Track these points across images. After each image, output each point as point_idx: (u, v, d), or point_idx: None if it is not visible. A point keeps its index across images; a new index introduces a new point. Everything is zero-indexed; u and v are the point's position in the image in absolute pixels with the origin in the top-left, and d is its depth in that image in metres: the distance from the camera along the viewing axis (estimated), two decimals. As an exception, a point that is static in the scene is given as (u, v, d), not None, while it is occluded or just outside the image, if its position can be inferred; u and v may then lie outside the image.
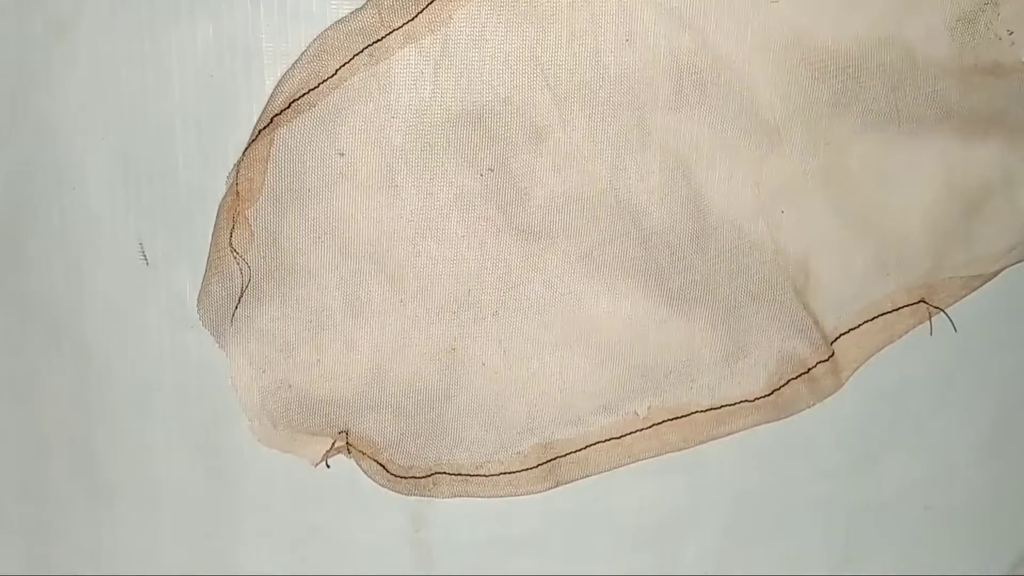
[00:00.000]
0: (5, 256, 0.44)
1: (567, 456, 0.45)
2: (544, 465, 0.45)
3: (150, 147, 0.42)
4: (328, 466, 0.44)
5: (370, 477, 0.45)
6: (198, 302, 0.43)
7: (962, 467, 0.48)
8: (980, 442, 0.48)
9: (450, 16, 0.40)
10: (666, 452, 0.45)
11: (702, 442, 0.45)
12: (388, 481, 0.45)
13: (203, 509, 0.46)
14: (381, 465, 0.45)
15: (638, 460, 0.45)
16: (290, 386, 0.44)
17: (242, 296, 0.42)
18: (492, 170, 0.42)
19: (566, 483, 0.45)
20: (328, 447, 0.44)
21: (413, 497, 0.45)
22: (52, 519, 0.47)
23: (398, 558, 0.47)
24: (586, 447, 0.45)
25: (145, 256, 0.43)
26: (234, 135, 0.42)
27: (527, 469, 0.45)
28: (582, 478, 0.45)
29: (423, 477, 0.45)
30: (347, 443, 0.44)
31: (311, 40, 0.41)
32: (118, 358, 0.45)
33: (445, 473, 0.45)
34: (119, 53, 0.42)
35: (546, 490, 0.45)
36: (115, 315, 0.44)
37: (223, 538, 0.47)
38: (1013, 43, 0.43)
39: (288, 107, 0.41)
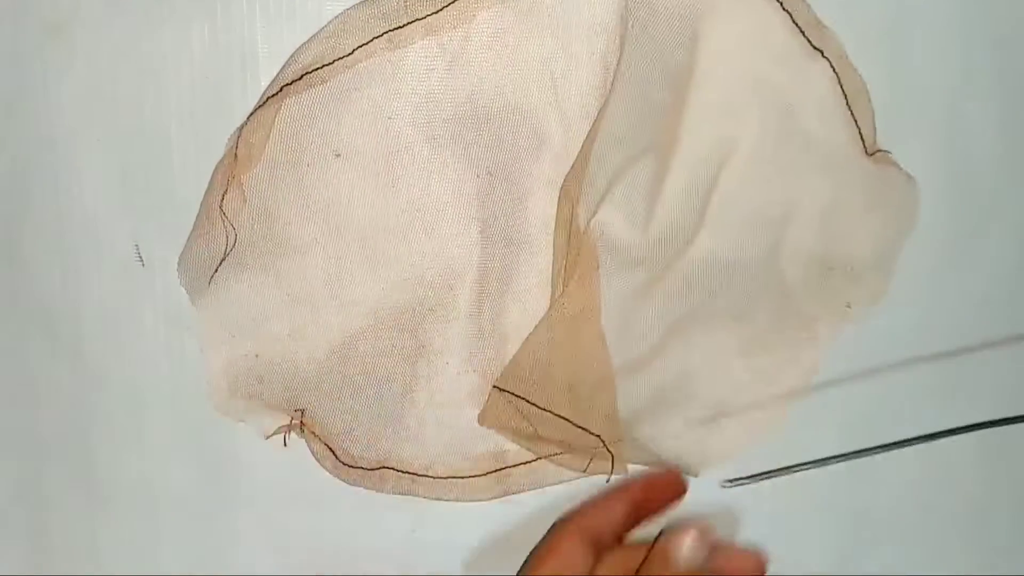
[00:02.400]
0: (1, 258, 0.44)
1: (517, 467, 0.45)
2: (494, 473, 0.45)
3: (145, 148, 0.42)
4: (285, 444, 0.44)
5: (319, 461, 0.44)
6: (179, 260, 0.42)
7: (962, 467, 0.49)
8: (980, 442, 0.48)
9: (474, 15, 0.41)
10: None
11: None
12: (335, 468, 0.44)
13: (202, 509, 0.45)
14: (331, 450, 0.44)
15: (593, 475, 0.45)
16: (256, 356, 0.43)
17: (224, 259, 0.42)
18: (491, 174, 0.43)
19: (516, 493, 0.45)
20: (282, 424, 0.44)
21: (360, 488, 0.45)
22: (50, 520, 0.46)
23: (397, 558, 0.46)
24: (538, 459, 0.45)
25: (141, 257, 0.43)
26: (229, 136, 0.42)
27: (476, 476, 0.45)
28: (533, 489, 0.45)
29: (371, 470, 0.45)
30: (301, 422, 0.44)
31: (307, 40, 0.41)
32: (115, 359, 0.44)
33: (393, 469, 0.45)
34: (115, 54, 0.42)
35: (495, 498, 0.45)
36: (111, 316, 0.44)
37: (223, 538, 0.46)
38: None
39: (300, 78, 0.40)
